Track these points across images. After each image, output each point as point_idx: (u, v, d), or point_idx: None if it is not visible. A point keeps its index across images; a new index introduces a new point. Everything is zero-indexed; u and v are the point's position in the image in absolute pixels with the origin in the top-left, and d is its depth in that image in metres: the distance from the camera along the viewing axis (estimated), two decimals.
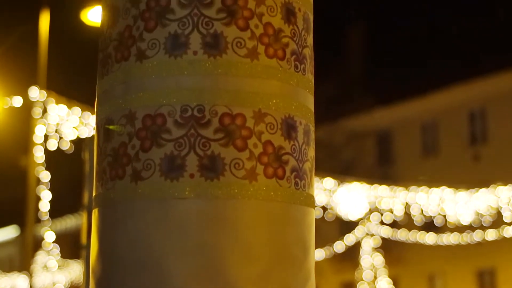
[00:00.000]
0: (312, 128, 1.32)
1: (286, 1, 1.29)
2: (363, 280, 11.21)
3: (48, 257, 8.74)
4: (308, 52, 1.33)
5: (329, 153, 16.33)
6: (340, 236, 12.07)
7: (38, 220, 8.10)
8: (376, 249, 11.27)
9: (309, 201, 1.30)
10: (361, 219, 10.62)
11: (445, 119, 16.82)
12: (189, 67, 1.23)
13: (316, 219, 1.39)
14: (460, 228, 10.97)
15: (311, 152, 1.31)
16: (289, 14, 1.29)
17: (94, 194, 1.32)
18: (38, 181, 7.49)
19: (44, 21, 8.50)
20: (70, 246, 18.19)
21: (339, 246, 11.86)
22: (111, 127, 1.28)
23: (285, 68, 1.28)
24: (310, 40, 1.34)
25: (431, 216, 10.21)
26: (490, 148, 16.22)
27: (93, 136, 1.74)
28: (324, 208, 9.63)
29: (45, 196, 7.28)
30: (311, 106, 1.33)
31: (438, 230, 12.16)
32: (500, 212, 10.03)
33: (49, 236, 7.49)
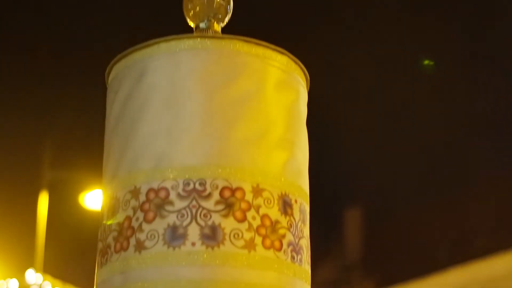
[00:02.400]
0: None
1: (283, 193, 1.32)
2: None
3: None
4: (305, 243, 1.34)
5: None
6: None
7: None
8: None
9: None
10: None
11: None
12: (187, 258, 1.25)
13: None
14: None
15: None
16: (286, 205, 1.32)
17: None
18: None
19: (43, 203, 8.56)
20: None
21: None
22: None
23: (282, 259, 1.29)
24: (306, 231, 1.36)
25: None
26: None
27: None
28: None
29: None
30: None
31: None
32: None
33: None
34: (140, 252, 1.27)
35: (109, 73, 1.44)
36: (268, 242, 1.28)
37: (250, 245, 1.26)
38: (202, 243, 1.25)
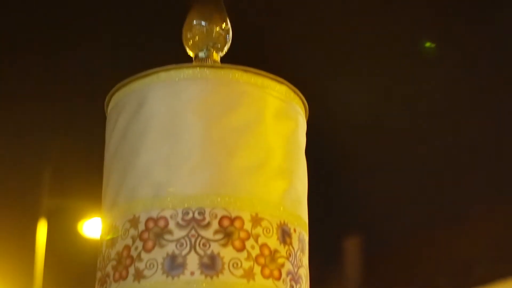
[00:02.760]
0: None
1: (282, 222, 1.32)
2: None
3: None
4: (304, 272, 1.34)
5: None
6: None
7: None
8: None
9: None
10: None
11: None
12: (186, 287, 1.25)
13: None
14: None
15: None
16: (285, 234, 1.32)
17: None
18: None
19: (41, 231, 8.53)
20: None
21: None
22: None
23: None
24: (305, 260, 1.36)
25: None
26: None
27: None
28: None
29: None
30: None
31: None
32: None
33: None
34: (139, 281, 1.27)
35: (108, 102, 1.44)
36: (267, 271, 1.28)
37: (249, 274, 1.26)
38: (201, 272, 1.25)
